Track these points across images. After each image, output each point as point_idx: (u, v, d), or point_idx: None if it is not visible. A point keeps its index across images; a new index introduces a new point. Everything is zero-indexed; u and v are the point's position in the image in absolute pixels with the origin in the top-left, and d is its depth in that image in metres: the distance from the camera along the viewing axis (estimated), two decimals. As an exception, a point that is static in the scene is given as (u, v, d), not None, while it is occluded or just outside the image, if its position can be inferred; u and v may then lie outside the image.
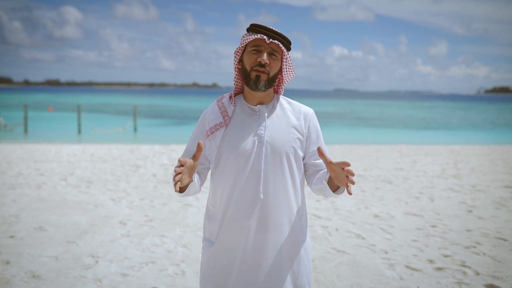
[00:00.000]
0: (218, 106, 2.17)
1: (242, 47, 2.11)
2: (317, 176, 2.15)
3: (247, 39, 2.08)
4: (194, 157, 1.93)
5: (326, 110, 54.57)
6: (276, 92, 2.22)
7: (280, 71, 2.14)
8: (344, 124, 33.95)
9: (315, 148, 2.19)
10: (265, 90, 2.09)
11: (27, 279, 4.06)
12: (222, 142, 2.12)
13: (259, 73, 2.05)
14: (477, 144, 18.93)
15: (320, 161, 2.20)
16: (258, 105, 2.14)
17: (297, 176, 2.16)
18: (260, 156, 2.08)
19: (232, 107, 2.14)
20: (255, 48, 2.07)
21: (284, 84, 2.21)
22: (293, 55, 2.20)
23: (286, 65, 2.12)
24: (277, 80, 2.17)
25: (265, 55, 2.05)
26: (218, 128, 2.12)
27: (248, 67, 2.08)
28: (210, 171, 2.23)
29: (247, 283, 2.08)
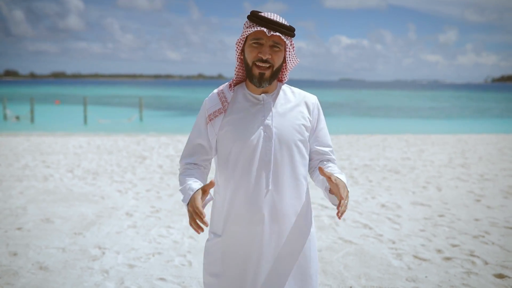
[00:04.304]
0: (218, 93, 2.14)
1: (243, 38, 2.04)
2: (320, 178, 2.12)
3: (246, 31, 2.00)
4: (204, 191, 1.91)
5: (332, 100, 54.37)
6: (280, 80, 2.18)
7: (284, 60, 2.09)
8: (350, 114, 33.82)
9: (319, 135, 2.19)
10: (269, 85, 2.05)
11: (34, 270, 4.07)
12: (228, 132, 2.08)
13: (263, 70, 2.00)
14: (485, 133, 18.78)
15: (325, 148, 2.19)
16: (262, 94, 2.10)
17: (304, 165, 2.13)
18: (269, 146, 2.05)
19: (231, 93, 2.10)
20: (256, 41, 1.99)
21: (288, 72, 2.16)
22: (298, 45, 2.12)
23: (289, 54, 2.06)
24: (281, 69, 2.12)
25: (266, 49, 1.98)
26: (217, 115, 2.08)
27: (249, 61, 2.02)
28: (214, 163, 2.20)
29: (258, 274, 2.06)
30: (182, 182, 2.08)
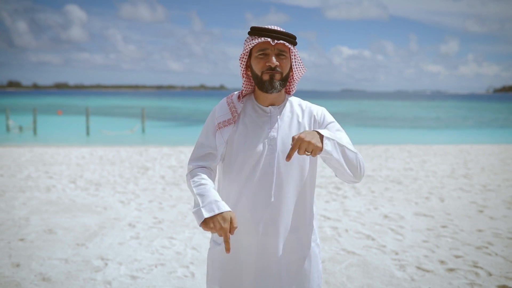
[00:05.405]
0: (227, 102, 2.15)
1: (247, 52, 2.08)
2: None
3: (250, 43, 2.03)
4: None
5: (334, 110, 54.41)
6: (288, 92, 2.20)
7: (291, 68, 2.12)
8: (352, 125, 33.81)
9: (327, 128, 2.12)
10: (280, 90, 2.06)
11: (37, 281, 4.07)
12: (233, 142, 2.09)
13: (273, 72, 2.02)
14: (487, 143, 18.76)
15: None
16: (270, 106, 2.12)
17: (308, 178, 2.13)
18: (272, 158, 2.06)
19: (241, 105, 2.12)
20: (262, 52, 2.03)
21: (295, 82, 2.18)
22: (300, 55, 2.15)
23: (295, 61, 2.09)
24: (289, 78, 2.14)
25: (273, 58, 2.02)
26: (226, 125, 2.09)
27: (258, 72, 2.04)
28: (219, 169, 2.21)
29: (259, 285, 2.06)
30: (198, 186, 2.01)
